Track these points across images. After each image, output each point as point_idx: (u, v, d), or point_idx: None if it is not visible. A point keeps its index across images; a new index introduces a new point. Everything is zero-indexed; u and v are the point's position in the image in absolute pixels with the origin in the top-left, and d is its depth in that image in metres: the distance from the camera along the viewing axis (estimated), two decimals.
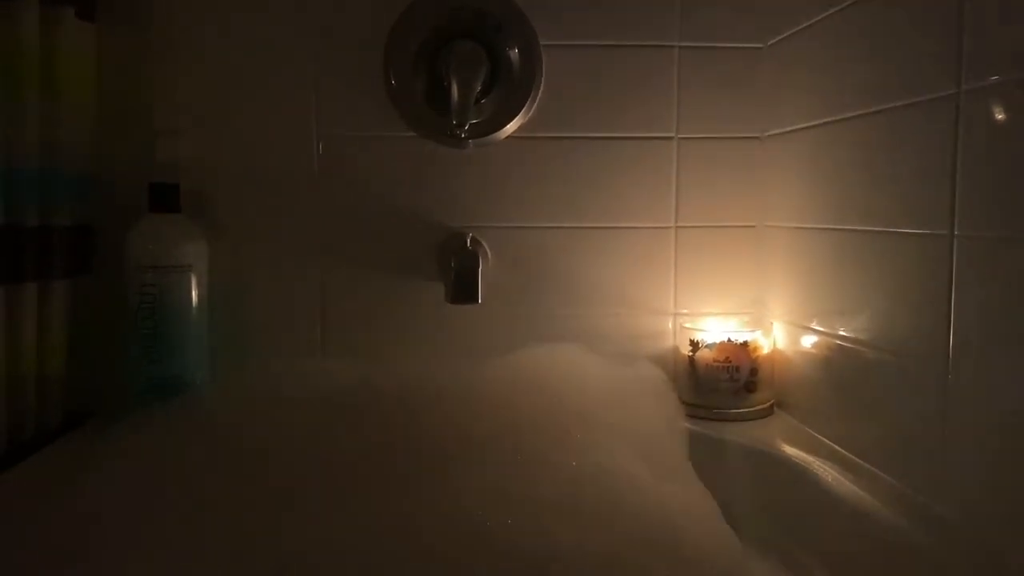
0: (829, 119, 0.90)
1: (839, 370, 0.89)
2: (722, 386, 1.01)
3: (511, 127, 1.05)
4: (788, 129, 1.00)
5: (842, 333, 0.88)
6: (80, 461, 0.81)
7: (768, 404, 1.02)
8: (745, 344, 1.00)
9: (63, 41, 0.91)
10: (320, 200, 1.04)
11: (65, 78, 0.91)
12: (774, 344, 1.03)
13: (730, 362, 1.00)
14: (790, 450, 0.89)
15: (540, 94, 1.05)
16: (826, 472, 0.82)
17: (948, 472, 0.70)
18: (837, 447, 0.88)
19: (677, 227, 1.08)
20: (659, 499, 0.70)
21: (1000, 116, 0.64)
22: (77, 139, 0.94)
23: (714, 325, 1.05)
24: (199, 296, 0.96)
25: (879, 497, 0.75)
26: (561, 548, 0.63)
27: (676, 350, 1.07)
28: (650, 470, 0.75)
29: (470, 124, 0.94)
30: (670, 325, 1.09)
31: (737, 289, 1.09)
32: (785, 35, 1.00)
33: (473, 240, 1.03)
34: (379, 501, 0.68)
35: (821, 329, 0.93)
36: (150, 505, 0.70)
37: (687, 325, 1.06)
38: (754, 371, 1.00)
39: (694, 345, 1.02)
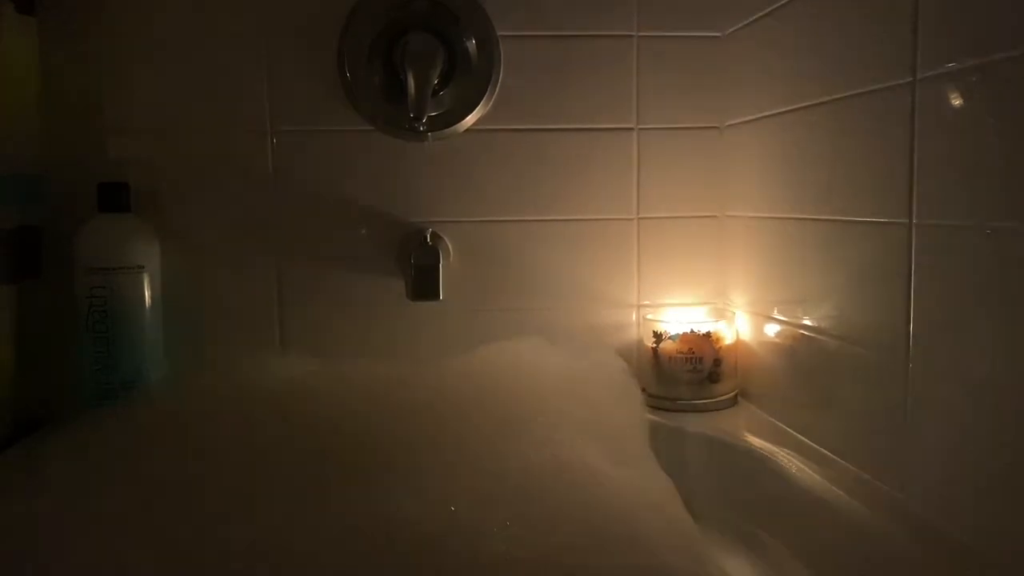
0: (788, 108, 0.90)
1: (801, 359, 0.89)
2: (686, 377, 1.01)
3: (470, 120, 1.04)
4: (747, 118, 1.00)
5: (804, 322, 0.88)
6: (31, 469, 0.79)
7: (732, 394, 1.02)
8: (708, 335, 1.00)
9: (2, 36, 0.87)
10: (275, 197, 1.02)
11: (5, 74, 0.88)
12: (737, 334, 1.03)
13: (693, 353, 1.00)
14: (754, 440, 0.89)
15: (499, 86, 1.04)
16: (789, 461, 0.82)
17: (909, 460, 0.71)
18: (800, 436, 0.88)
19: (639, 218, 1.07)
20: (620, 490, 0.70)
21: (956, 104, 0.64)
22: (19, 138, 0.91)
23: (677, 316, 1.05)
24: (151, 297, 0.94)
25: (842, 486, 0.75)
26: (523, 541, 0.62)
27: (640, 342, 1.07)
28: (611, 461, 0.74)
29: (428, 117, 0.93)
30: (633, 317, 1.08)
31: (700, 280, 1.09)
32: (743, 24, 1.00)
33: (433, 235, 1.02)
34: (338, 501, 0.67)
35: (783, 319, 0.93)
36: (102, 507, 0.68)
37: (650, 317, 1.05)
38: (717, 361, 1.00)
39: (657, 337, 1.02)
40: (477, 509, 0.65)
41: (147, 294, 0.94)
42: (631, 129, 1.06)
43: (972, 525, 0.63)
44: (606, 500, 0.67)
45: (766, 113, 0.95)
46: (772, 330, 0.96)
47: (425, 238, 1.00)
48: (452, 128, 1.03)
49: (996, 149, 0.60)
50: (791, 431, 0.91)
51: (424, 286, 0.96)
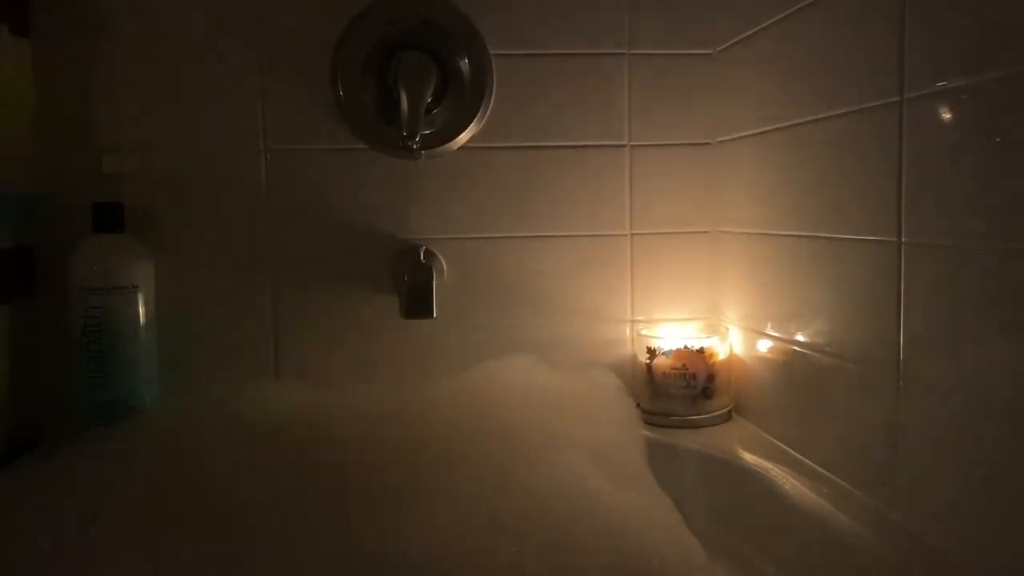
0: (778, 125, 0.90)
1: (794, 375, 0.90)
2: (679, 393, 1.01)
3: (463, 137, 1.04)
4: (738, 135, 1.01)
5: (796, 338, 0.89)
6: (26, 491, 0.78)
7: (726, 410, 1.03)
8: (701, 350, 1.01)
9: None
10: (269, 215, 1.02)
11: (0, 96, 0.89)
12: (730, 350, 1.03)
13: (687, 368, 1.00)
14: (747, 456, 0.89)
15: (491, 104, 1.04)
16: (783, 478, 0.83)
17: (900, 475, 0.71)
18: (793, 452, 0.89)
19: (632, 235, 1.08)
20: (621, 511, 0.70)
21: (942, 123, 0.65)
22: (14, 158, 0.92)
23: (671, 332, 1.05)
24: (146, 317, 0.94)
25: (834, 501, 0.76)
26: (525, 566, 0.62)
27: (634, 357, 1.07)
28: (610, 483, 0.75)
29: (421, 135, 0.93)
30: (627, 332, 1.09)
31: (693, 295, 1.10)
32: (733, 41, 1.01)
33: (427, 253, 1.02)
34: (334, 527, 0.67)
35: (776, 334, 0.93)
36: (95, 534, 0.68)
37: (644, 332, 1.05)
38: (711, 377, 1.01)
39: (651, 352, 1.02)
40: (482, 534, 0.65)
41: (141, 313, 0.94)
42: (624, 146, 1.07)
43: (962, 541, 0.64)
44: (611, 523, 0.68)
45: (757, 130, 0.96)
46: (765, 346, 0.96)
47: (419, 255, 1.00)
48: (445, 146, 1.04)
49: (983, 167, 0.61)
50: (784, 447, 0.91)
51: (418, 303, 0.96)
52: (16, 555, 0.66)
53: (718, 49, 1.06)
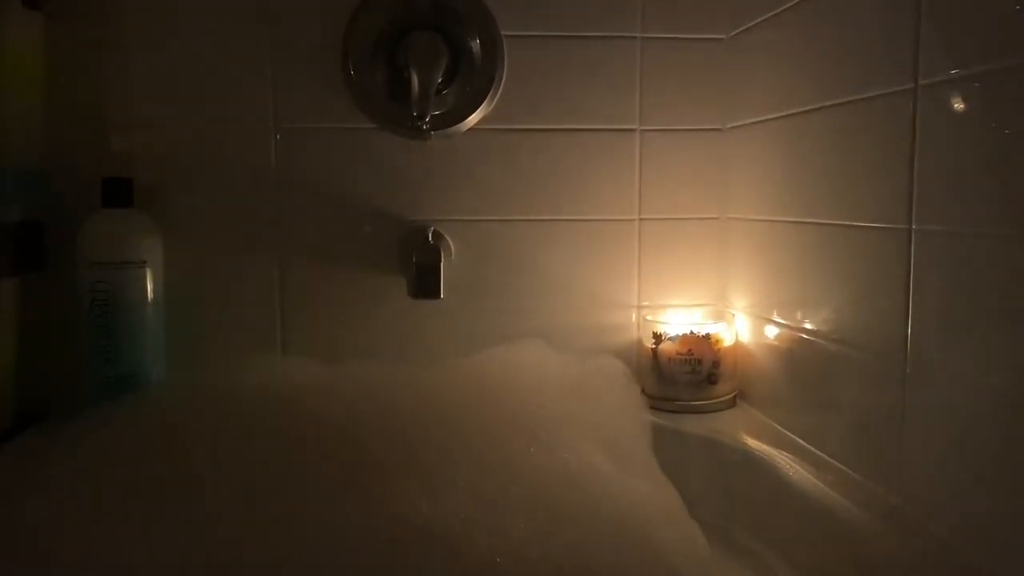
0: (790, 111, 0.90)
1: (800, 362, 0.90)
2: (685, 378, 1.01)
3: (473, 119, 1.04)
4: (749, 121, 1.00)
5: (803, 325, 0.88)
6: (31, 463, 0.79)
7: (730, 396, 1.03)
8: (707, 336, 1.01)
9: (8, 31, 0.88)
10: (278, 194, 1.02)
11: (10, 69, 0.88)
12: (736, 336, 1.03)
13: (692, 354, 1.00)
14: (752, 442, 0.89)
15: (502, 86, 1.04)
16: (787, 464, 0.83)
17: (906, 464, 0.71)
18: (798, 439, 0.89)
19: (640, 219, 1.08)
20: (624, 496, 0.70)
21: (956, 111, 0.64)
22: (25, 132, 0.91)
23: (677, 317, 1.05)
24: (154, 292, 0.94)
25: (839, 489, 0.76)
26: (527, 548, 0.62)
27: (640, 343, 1.07)
28: (614, 467, 0.75)
29: (431, 116, 0.93)
30: (634, 318, 1.09)
31: (700, 281, 1.09)
32: (746, 26, 1.00)
33: (435, 234, 1.02)
34: (340, 503, 0.67)
35: (783, 321, 0.93)
36: (101, 507, 0.68)
37: (650, 318, 1.05)
38: (716, 363, 1.01)
39: (657, 338, 1.02)
40: (489, 511, 0.65)
41: (149, 289, 0.94)
42: (633, 130, 1.07)
43: (967, 528, 0.64)
44: (614, 505, 0.68)
45: (768, 116, 0.95)
46: (771, 332, 0.96)
47: (427, 236, 1.00)
48: (455, 127, 1.03)
49: (996, 156, 0.61)
50: (789, 433, 0.91)
51: (425, 284, 0.96)
52: (22, 526, 0.66)
53: (731, 34, 1.05)
